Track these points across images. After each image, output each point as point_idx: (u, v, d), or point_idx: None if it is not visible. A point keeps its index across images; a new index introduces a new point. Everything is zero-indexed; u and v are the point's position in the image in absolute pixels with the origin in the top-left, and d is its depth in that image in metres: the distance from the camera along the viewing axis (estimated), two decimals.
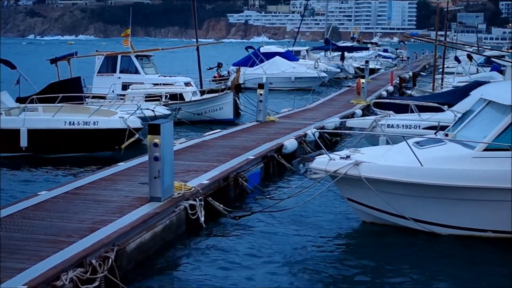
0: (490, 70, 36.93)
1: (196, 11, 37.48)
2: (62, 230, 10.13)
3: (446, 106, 19.50)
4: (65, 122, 21.01)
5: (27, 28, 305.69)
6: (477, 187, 11.57)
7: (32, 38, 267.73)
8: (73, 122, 21.00)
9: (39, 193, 12.61)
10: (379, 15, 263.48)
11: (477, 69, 40.46)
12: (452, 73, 41.74)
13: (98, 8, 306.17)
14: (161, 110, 24.93)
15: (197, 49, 33.72)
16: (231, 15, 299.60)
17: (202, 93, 31.36)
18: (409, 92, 35.38)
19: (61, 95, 22.69)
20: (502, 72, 32.33)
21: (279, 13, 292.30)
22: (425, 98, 25.41)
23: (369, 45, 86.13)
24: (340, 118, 26.87)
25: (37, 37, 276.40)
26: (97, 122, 21.14)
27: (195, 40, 36.25)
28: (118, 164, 16.03)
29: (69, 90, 23.73)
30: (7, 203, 12.46)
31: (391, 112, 20.06)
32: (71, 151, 21.10)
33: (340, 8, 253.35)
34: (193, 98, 29.37)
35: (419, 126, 18.26)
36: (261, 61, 47.30)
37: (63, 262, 8.71)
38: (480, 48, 54.90)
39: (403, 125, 18.58)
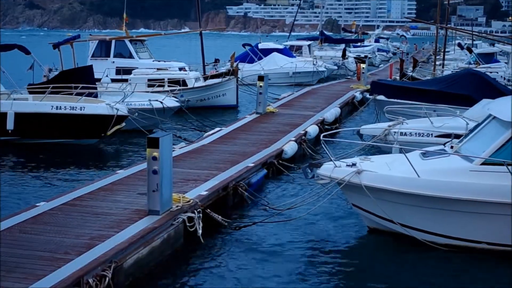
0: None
1: (196, 3, 37.59)
2: (59, 246, 10.11)
3: (458, 112, 19.58)
4: (52, 106, 21.25)
5: (26, 21, 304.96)
6: (471, 200, 11.75)
7: (28, 29, 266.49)
8: (60, 106, 21.22)
9: (37, 204, 12.57)
10: (378, 8, 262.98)
11: (477, 60, 40.52)
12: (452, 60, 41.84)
13: (97, 0, 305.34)
14: (170, 102, 24.90)
15: (200, 34, 33.64)
16: (230, 7, 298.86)
17: (205, 78, 31.33)
18: (409, 74, 35.52)
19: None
20: None
21: (278, 5, 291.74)
22: (419, 84, 25.53)
23: (366, 39, 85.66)
24: (340, 107, 27.10)
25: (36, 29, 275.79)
26: (84, 107, 21.30)
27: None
28: (118, 171, 16.05)
29: (81, 79, 23.76)
30: (8, 213, 12.56)
31: (403, 118, 20.12)
32: (58, 137, 21.34)
33: (340, 1, 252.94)
34: (196, 84, 29.31)
35: (431, 134, 18.35)
36: (259, 58, 47.20)
37: (60, 282, 8.70)
38: (477, 38, 54.95)
39: (416, 133, 18.75)
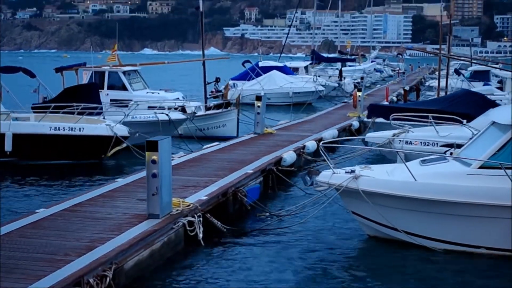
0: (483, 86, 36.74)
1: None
2: (59, 249, 10.03)
3: (465, 121, 19.43)
4: (50, 127, 20.88)
5: (23, 42, 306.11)
6: (468, 203, 11.71)
7: (24, 51, 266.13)
8: (59, 127, 20.85)
9: (37, 211, 12.51)
10: (374, 29, 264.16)
11: (468, 84, 40.22)
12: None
13: (95, 22, 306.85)
14: (176, 115, 24.66)
15: (203, 64, 33.37)
16: (228, 28, 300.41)
17: (208, 108, 31.00)
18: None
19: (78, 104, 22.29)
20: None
21: (275, 27, 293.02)
22: (418, 105, 25.40)
23: (364, 62, 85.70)
24: (338, 130, 26.97)
25: (34, 50, 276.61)
26: (83, 128, 20.95)
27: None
28: (117, 180, 16.00)
29: (85, 96, 23.42)
30: (6, 220, 12.39)
31: (408, 126, 19.97)
32: (56, 158, 20.92)
33: (336, 22, 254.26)
34: (196, 113, 28.99)
35: (437, 143, 18.23)
36: (258, 75, 47.14)
37: (60, 282, 8.62)
38: (475, 61, 54.76)
39: (421, 142, 18.59)
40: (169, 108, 27.20)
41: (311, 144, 21.88)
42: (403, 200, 12.12)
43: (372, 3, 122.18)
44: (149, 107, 26.66)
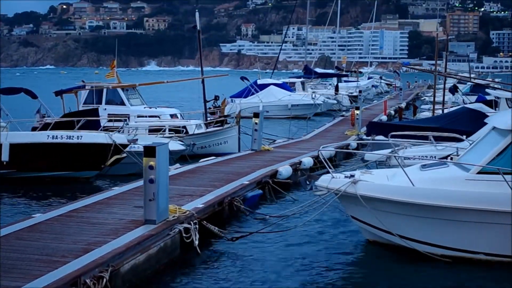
0: (475, 101, 36.63)
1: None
2: (56, 251, 10.14)
3: (464, 136, 19.41)
4: (48, 136, 20.57)
5: (20, 58, 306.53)
6: (466, 208, 11.69)
7: (24, 68, 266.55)
8: (57, 136, 20.51)
9: (33, 216, 12.61)
10: (372, 45, 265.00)
11: (463, 99, 40.19)
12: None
13: (91, 38, 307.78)
14: (175, 145, 24.34)
15: (203, 81, 33.46)
16: (224, 45, 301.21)
17: (208, 123, 30.99)
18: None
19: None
20: (487, 102, 32.19)
21: (271, 43, 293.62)
22: (418, 122, 25.39)
23: (360, 77, 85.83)
24: (335, 149, 26.92)
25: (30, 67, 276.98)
26: (81, 136, 20.59)
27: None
28: (113, 188, 16.09)
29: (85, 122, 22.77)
30: (1, 224, 12.52)
31: (406, 142, 19.92)
32: (55, 169, 20.57)
33: (332, 38, 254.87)
34: (197, 131, 28.97)
35: (435, 157, 18.21)
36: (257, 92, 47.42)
37: (57, 281, 8.73)
38: (473, 77, 54.97)
39: (420, 157, 18.51)
40: (170, 131, 27.17)
41: (307, 161, 21.82)
42: (401, 205, 12.12)
43: (370, 19, 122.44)
44: (150, 127, 26.63)
